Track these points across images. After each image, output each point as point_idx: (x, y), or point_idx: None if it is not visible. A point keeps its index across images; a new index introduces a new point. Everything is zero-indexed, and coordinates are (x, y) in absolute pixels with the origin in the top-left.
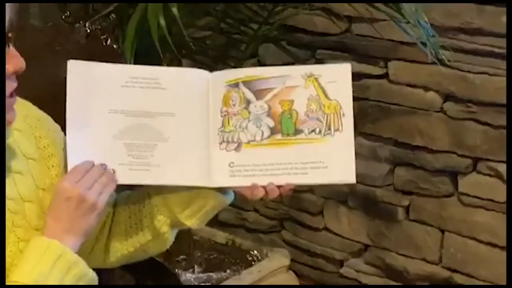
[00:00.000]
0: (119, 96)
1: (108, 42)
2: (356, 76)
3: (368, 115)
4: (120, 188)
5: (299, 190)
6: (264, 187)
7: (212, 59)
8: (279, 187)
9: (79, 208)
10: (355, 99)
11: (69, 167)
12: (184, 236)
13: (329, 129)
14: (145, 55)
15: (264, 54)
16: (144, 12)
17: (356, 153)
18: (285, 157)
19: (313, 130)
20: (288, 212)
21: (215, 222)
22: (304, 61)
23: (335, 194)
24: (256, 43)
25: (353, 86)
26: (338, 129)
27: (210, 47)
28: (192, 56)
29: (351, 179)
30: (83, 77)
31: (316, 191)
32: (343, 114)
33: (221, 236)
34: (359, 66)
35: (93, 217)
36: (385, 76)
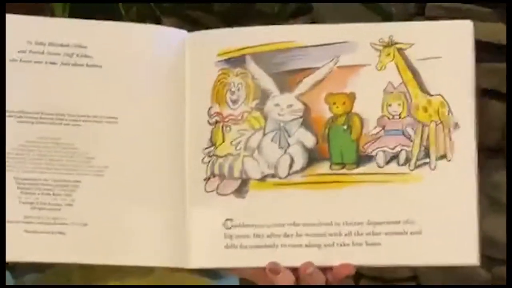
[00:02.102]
0: (7, 81)
1: None
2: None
3: None
4: (20, 268)
5: (391, 278)
6: (294, 269)
7: (221, 19)
8: (324, 269)
9: None
10: (497, 96)
11: None
12: None
13: (427, 155)
14: (95, 11)
15: (322, 11)
16: None
17: (495, 204)
18: (337, 211)
19: (395, 157)
20: None
21: None
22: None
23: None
24: None
25: (501, 72)
26: (444, 156)
27: None
28: (183, 12)
29: (471, 258)
30: None
31: (423, 277)
32: (457, 125)
33: None
34: None
35: None
36: None
